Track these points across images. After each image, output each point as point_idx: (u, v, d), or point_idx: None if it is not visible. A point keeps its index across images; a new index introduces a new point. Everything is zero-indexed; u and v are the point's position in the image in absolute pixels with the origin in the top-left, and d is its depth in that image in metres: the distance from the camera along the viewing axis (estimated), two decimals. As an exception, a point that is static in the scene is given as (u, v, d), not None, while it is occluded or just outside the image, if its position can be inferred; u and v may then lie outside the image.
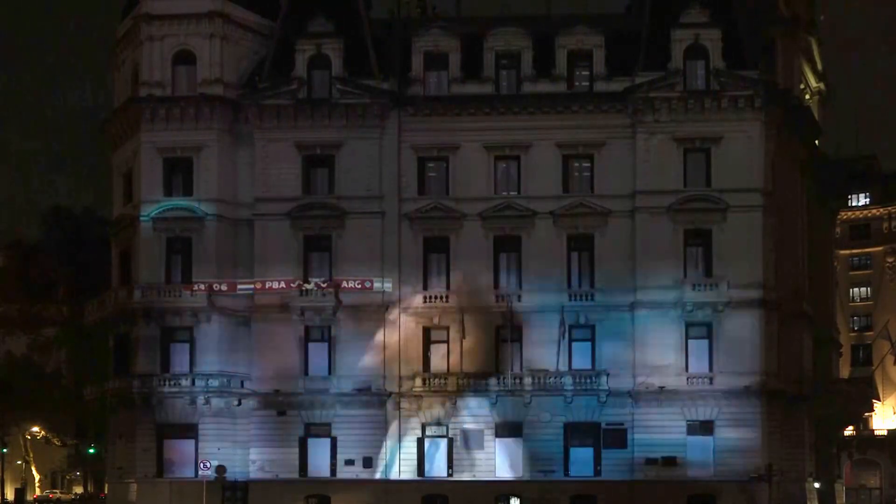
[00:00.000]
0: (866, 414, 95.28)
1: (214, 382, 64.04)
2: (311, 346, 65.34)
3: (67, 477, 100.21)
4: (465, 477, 64.00)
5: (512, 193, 65.33)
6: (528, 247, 64.93)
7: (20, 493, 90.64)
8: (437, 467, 64.54)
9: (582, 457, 64.00)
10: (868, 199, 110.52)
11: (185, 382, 63.92)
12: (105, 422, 70.58)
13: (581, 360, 64.38)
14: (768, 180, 64.74)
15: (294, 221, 65.22)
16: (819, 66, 78.49)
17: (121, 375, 65.47)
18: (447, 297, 64.87)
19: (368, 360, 64.65)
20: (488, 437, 64.17)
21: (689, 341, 63.87)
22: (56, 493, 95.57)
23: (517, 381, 63.49)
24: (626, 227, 64.32)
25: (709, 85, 64.25)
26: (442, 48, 65.97)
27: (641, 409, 63.40)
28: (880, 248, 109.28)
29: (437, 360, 65.09)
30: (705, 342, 63.89)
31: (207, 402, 63.94)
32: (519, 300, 64.18)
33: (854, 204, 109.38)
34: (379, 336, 64.69)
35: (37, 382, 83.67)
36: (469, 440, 64.23)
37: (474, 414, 64.03)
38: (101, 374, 68.99)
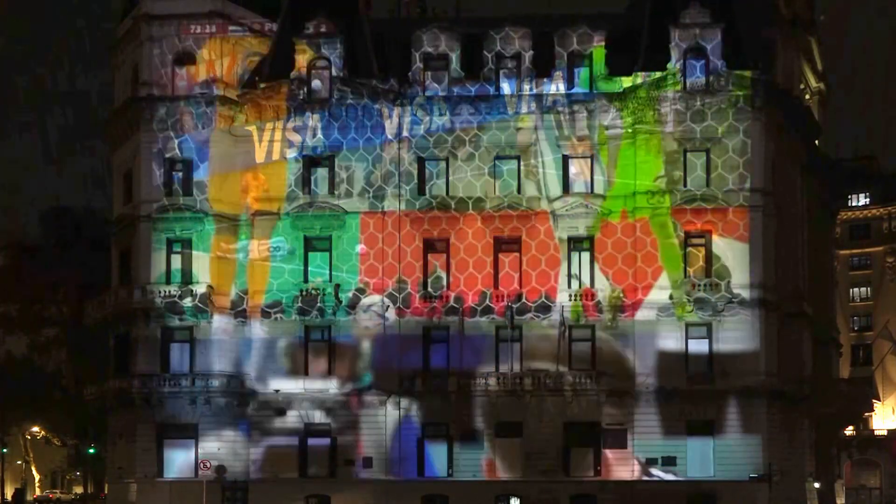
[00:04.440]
0: (866, 414, 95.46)
1: (214, 382, 64.13)
2: (310, 345, 65.40)
3: (67, 477, 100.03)
4: (465, 477, 64.02)
5: (511, 193, 65.33)
6: (528, 247, 64.96)
7: (20, 493, 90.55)
8: (437, 467, 64.57)
9: (581, 457, 64.06)
10: (868, 199, 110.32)
11: (185, 382, 63.99)
12: (105, 422, 70.54)
13: (581, 360, 64.44)
14: (768, 180, 64.74)
15: (294, 221, 65.27)
16: (819, 66, 78.51)
17: (121, 375, 65.47)
18: (447, 296, 64.89)
19: (368, 359, 64.71)
20: (488, 437, 64.20)
21: (689, 341, 63.91)
22: (56, 493, 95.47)
23: (517, 381, 63.53)
24: (627, 227, 64.34)
25: (708, 85, 64.21)
26: (442, 48, 65.93)
27: (641, 409, 63.44)
28: (880, 248, 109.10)
29: (437, 360, 65.11)
30: (705, 342, 63.92)
31: (207, 402, 64.01)
32: (519, 300, 64.19)
33: (854, 204, 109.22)
34: (379, 336, 64.73)
35: (37, 382, 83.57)
36: (469, 440, 64.25)
37: (474, 414, 64.05)
38: (101, 374, 68.98)
